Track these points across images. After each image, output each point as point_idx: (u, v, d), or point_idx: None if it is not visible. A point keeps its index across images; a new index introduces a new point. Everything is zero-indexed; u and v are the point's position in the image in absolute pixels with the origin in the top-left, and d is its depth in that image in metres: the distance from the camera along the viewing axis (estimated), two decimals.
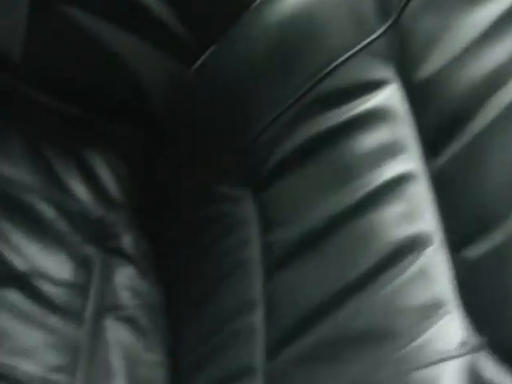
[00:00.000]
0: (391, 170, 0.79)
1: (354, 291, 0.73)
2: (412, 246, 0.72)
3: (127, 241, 1.03)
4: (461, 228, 0.69)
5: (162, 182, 1.10)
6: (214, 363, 0.85)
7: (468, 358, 0.61)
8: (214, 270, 0.92)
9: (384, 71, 0.86)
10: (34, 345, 0.89)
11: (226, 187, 0.98)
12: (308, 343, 0.73)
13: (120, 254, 1.02)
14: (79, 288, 0.96)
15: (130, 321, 0.96)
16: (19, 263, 0.94)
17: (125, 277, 1.00)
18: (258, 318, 0.82)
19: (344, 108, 0.90)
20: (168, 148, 1.12)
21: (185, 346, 0.93)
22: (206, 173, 1.02)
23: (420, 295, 0.69)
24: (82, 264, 0.98)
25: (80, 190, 1.05)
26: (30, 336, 0.89)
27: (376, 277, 0.71)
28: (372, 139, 0.84)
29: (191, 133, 1.10)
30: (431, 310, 0.67)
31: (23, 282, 0.93)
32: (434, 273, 0.69)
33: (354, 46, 0.90)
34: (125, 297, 0.98)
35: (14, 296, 0.91)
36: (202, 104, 1.07)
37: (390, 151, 0.81)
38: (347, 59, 0.90)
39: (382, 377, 0.66)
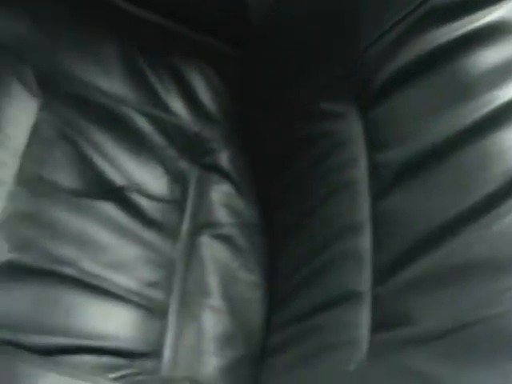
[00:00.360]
0: None
1: (469, 220, 0.68)
2: None
3: (224, 157, 1.00)
4: None
5: (260, 98, 1.06)
6: (315, 286, 0.82)
7: None
8: (317, 189, 0.88)
9: None
10: (130, 259, 0.88)
11: (330, 104, 0.93)
12: (420, 269, 0.69)
13: (216, 170, 0.99)
14: (175, 204, 0.95)
15: (226, 239, 0.94)
16: (116, 177, 0.93)
17: (221, 194, 0.97)
18: (364, 241, 0.78)
19: (460, 22, 0.83)
20: (266, 63, 1.07)
21: (283, 268, 0.91)
22: (308, 88, 0.97)
23: None
24: (178, 179, 0.96)
25: (176, 105, 1.02)
26: (125, 250, 0.88)
27: (496, 205, 0.66)
28: (494, 55, 0.77)
29: (290, 46, 1.04)
30: None
31: (120, 195, 0.92)
32: None
33: None
34: (221, 214, 0.96)
35: (111, 209, 0.90)
36: (303, 14, 1.01)
37: None
38: None
39: (497, 310, 0.61)
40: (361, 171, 0.84)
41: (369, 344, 0.72)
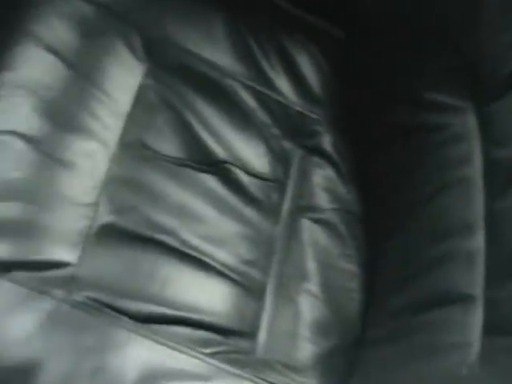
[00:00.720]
0: None
1: None
2: None
3: (327, 140, 0.97)
4: None
5: (365, 81, 1.02)
6: (421, 283, 0.78)
7: None
8: (427, 181, 0.84)
9: None
10: (229, 234, 0.85)
11: (445, 96, 0.89)
12: None
13: (319, 153, 0.96)
14: (277, 183, 0.92)
15: (326, 224, 0.91)
16: (219, 150, 0.91)
17: (323, 178, 0.94)
18: (477, 241, 0.74)
19: None
20: (375, 47, 1.03)
21: (383, 261, 0.87)
22: (421, 77, 0.93)
23: None
24: (281, 159, 0.94)
25: (281, 82, 0.99)
26: (225, 225, 0.86)
27: None
28: None
29: (403, 32, 1.00)
30: None
31: (222, 169, 0.89)
32: None
33: None
34: (322, 199, 0.93)
35: (213, 183, 0.88)
36: None
37: None
38: None
39: None
40: (475, 168, 0.80)
41: (480, 348, 0.68)
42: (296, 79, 0.99)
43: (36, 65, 0.88)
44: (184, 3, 1.01)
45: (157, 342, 0.75)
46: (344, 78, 1.03)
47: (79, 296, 0.76)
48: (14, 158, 0.81)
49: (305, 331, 0.83)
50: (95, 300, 0.76)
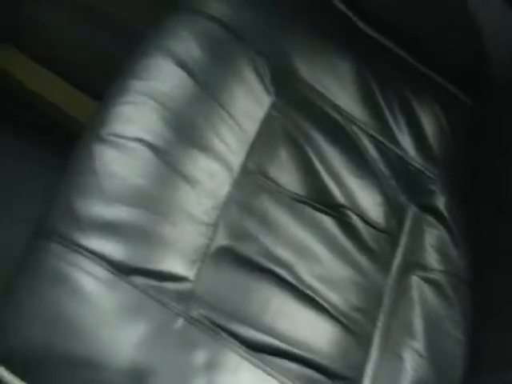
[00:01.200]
0: None
1: None
2: None
3: (442, 201, 0.97)
4: None
5: (488, 157, 1.01)
6: None
7: None
8: None
9: None
10: (342, 279, 0.84)
11: None
12: None
13: (433, 212, 0.95)
14: (390, 235, 0.91)
15: (435, 285, 0.90)
16: (338, 194, 0.91)
17: (436, 238, 0.93)
18: None
19: None
20: (501, 123, 1.03)
21: (490, 333, 0.85)
22: None
23: None
24: (396, 212, 0.93)
25: (403, 137, 0.99)
26: (339, 268, 0.85)
27: None
28: None
29: None
30: None
31: (340, 213, 0.89)
32: None
33: None
34: (433, 259, 0.91)
35: (330, 224, 0.88)
36: None
37: None
38: None
39: None
40: None
41: None
42: (417, 136, 0.99)
43: (167, 78, 0.89)
44: (313, 40, 1.02)
45: (269, 374, 0.73)
46: (467, 144, 1.03)
47: (194, 313, 0.75)
48: (140, 166, 0.81)
49: None
50: (209, 319, 0.74)
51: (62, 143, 1.11)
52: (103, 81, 1.10)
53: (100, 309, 0.73)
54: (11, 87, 1.37)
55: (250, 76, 0.93)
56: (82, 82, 1.37)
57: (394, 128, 0.99)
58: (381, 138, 0.97)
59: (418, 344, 0.84)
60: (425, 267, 0.90)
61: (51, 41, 1.37)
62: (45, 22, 1.37)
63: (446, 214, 0.95)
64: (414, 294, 0.87)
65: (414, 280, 0.88)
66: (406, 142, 0.98)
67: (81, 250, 0.74)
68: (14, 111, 1.34)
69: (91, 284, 0.73)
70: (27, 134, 1.32)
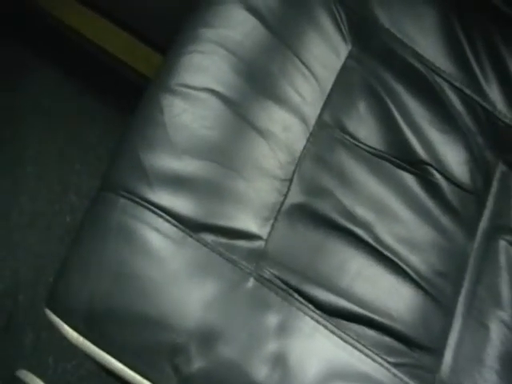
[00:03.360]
0: None
1: None
2: None
3: None
4: None
5: None
6: None
7: None
8: None
9: None
10: (424, 240, 0.80)
11: None
12: None
13: None
14: (475, 195, 0.86)
15: None
16: (420, 149, 0.85)
17: None
18: None
19: None
20: None
21: None
22: None
23: None
24: (482, 171, 0.87)
25: (492, 90, 0.93)
26: (421, 229, 0.81)
27: None
28: None
29: None
30: None
31: (422, 170, 0.84)
32: None
33: None
34: None
35: (411, 182, 0.83)
36: None
37: None
38: None
39: None
40: None
41: None
42: (507, 89, 0.93)
43: (238, 25, 0.85)
44: None
45: (345, 340, 0.70)
46: None
47: (266, 273, 0.72)
48: (211, 117, 0.78)
49: (494, 362, 0.77)
50: (282, 280, 0.71)
51: (126, 95, 1.11)
52: (167, 32, 1.07)
53: (167, 267, 0.71)
54: (76, 40, 1.36)
55: (327, 23, 0.89)
56: (144, 32, 1.35)
57: (482, 79, 0.93)
58: (467, 91, 0.91)
59: (506, 314, 0.80)
60: None
61: None
62: None
63: None
64: (502, 259, 0.82)
65: (502, 244, 0.84)
66: (494, 94, 0.93)
67: (149, 205, 0.72)
68: (76, 63, 1.34)
69: (159, 241, 0.71)
70: (89, 85, 1.32)
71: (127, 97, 0.99)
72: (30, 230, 1.21)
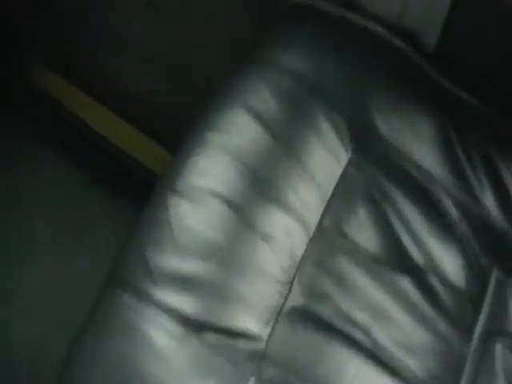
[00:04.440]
0: None
1: None
2: None
3: None
4: None
5: None
6: None
7: None
8: None
9: None
10: (420, 343, 0.83)
11: None
12: None
13: None
14: (471, 300, 0.89)
15: None
16: (418, 255, 0.90)
17: None
18: None
19: None
20: None
21: None
22: None
23: None
24: (478, 276, 0.91)
25: (486, 196, 0.97)
26: (417, 333, 0.84)
27: None
28: None
29: None
30: None
31: (418, 274, 0.88)
32: None
33: None
34: None
35: (408, 286, 0.87)
36: None
37: None
38: None
39: None
40: None
41: None
42: (502, 196, 0.98)
43: (243, 132, 0.90)
44: (391, 93, 1.02)
45: None
46: None
47: (267, 374, 0.74)
48: (215, 220, 0.82)
49: None
50: (282, 382, 0.74)
51: (133, 191, 1.14)
52: (177, 131, 1.13)
53: (170, 364, 0.73)
54: (87, 134, 1.41)
55: (328, 132, 0.94)
56: (155, 131, 1.41)
57: (477, 187, 0.97)
58: (463, 198, 0.96)
59: None
60: (510, 334, 0.88)
61: (127, 91, 1.41)
62: (121, 72, 1.41)
63: None
64: (498, 363, 0.85)
65: (498, 348, 0.86)
66: (488, 201, 0.97)
67: (153, 302, 0.75)
68: (87, 156, 1.38)
69: (162, 338, 0.74)
70: (95, 179, 1.35)
71: (134, 192, 1.03)
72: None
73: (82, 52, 1.42)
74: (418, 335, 0.83)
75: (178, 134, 1.01)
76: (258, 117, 0.91)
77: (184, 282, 0.78)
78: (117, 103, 1.41)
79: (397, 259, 0.88)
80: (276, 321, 0.78)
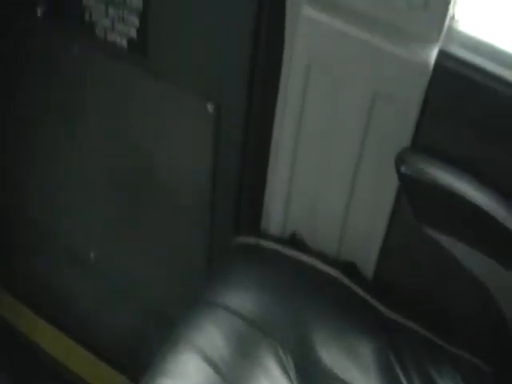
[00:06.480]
0: None
1: None
2: None
3: None
4: None
5: None
6: None
7: None
8: None
9: None
10: None
11: None
12: None
13: None
14: None
15: None
16: None
17: None
18: None
19: None
20: None
21: None
22: None
23: None
24: None
25: None
26: None
27: None
28: None
29: None
30: None
31: None
32: None
33: None
34: None
35: None
36: None
37: None
38: None
39: None
40: None
41: None
42: None
43: (195, 375, 0.97)
44: (334, 324, 1.11)
45: None
46: None
47: None
48: None
49: None
50: None
51: None
52: (131, 357, 1.18)
53: None
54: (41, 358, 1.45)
55: (275, 369, 1.02)
56: (109, 356, 1.45)
57: None
58: None
59: None
60: None
61: (83, 316, 1.47)
62: (77, 296, 1.47)
63: None
64: None
65: None
66: None
67: None
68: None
69: None
70: None
71: None
72: None
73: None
74: None
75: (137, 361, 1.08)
76: (209, 360, 1.00)
77: None
78: (74, 328, 1.45)
79: None
80: None
